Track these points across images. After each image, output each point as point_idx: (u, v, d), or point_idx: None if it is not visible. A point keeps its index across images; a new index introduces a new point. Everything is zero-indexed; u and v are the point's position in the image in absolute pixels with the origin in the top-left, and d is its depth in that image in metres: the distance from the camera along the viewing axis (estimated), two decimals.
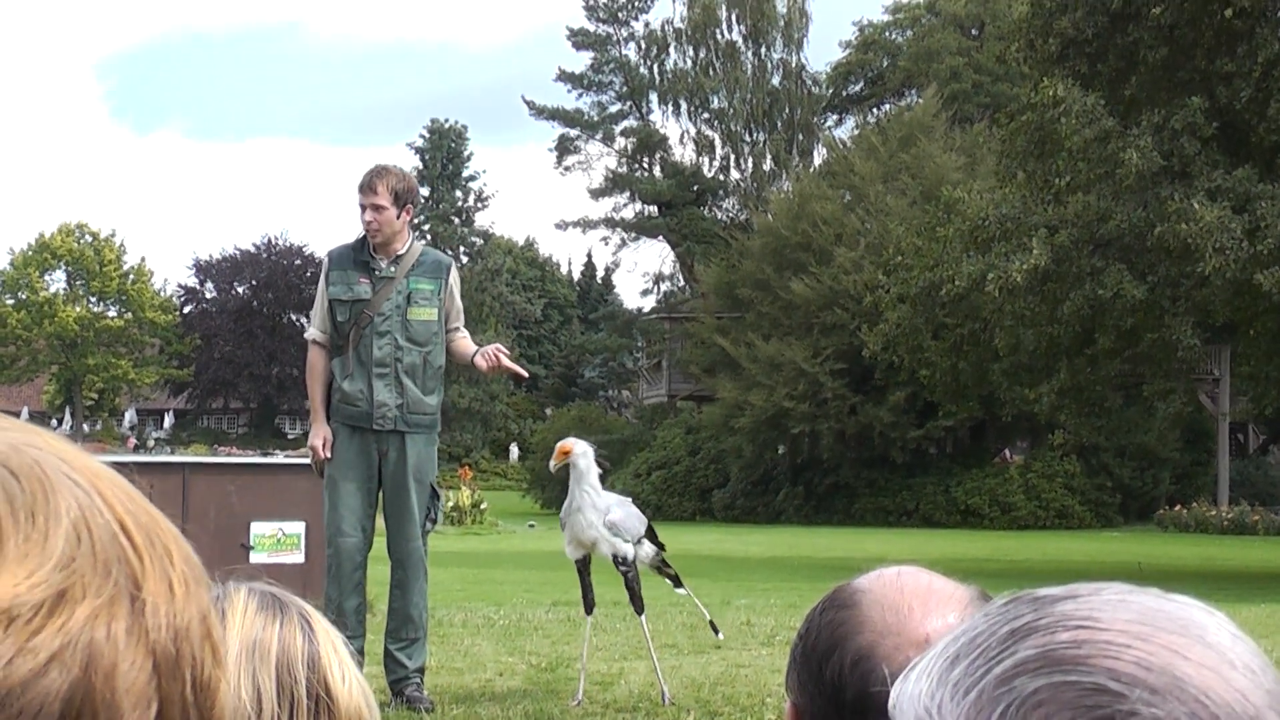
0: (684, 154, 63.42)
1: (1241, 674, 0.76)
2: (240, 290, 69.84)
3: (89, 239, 70.00)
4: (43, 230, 70.62)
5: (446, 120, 75.70)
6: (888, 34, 62.42)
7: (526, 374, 8.58)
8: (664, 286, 66.53)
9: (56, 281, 70.12)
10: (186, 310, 71.17)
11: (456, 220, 73.80)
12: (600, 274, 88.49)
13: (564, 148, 64.47)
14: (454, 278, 8.02)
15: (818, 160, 59.76)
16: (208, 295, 70.97)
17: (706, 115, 62.65)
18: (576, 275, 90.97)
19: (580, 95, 64.34)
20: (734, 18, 61.36)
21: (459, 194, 74.32)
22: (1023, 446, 47.01)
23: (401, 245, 7.86)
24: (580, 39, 63.70)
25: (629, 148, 63.81)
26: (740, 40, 61.65)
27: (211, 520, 10.35)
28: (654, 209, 63.59)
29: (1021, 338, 24.34)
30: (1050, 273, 23.32)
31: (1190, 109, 22.73)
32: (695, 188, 62.41)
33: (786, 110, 61.51)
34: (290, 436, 67.36)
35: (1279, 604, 15.51)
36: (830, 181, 48.77)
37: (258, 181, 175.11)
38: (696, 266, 58.51)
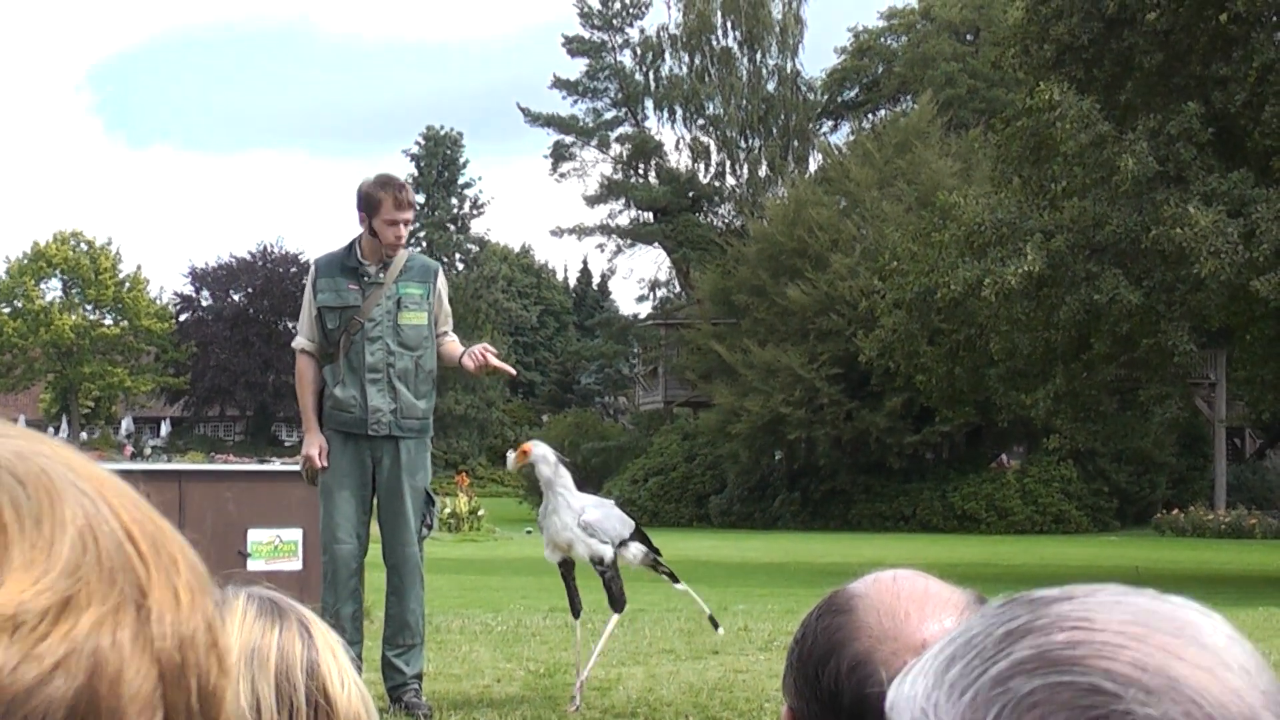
0: (679, 160, 63.46)
1: (1237, 675, 0.76)
2: (236, 298, 69.84)
3: (84, 247, 69.99)
4: (38, 239, 70.61)
5: (442, 127, 75.74)
6: (883, 40, 62.44)
7: (514, 372, 8.56)
8: (660, 293, 66.54)
9: (52, 290, 70.16)
10: (182, 318, 71.17)
11: (452, 227, 73.81)
12: (596, 280, 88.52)
13: (559, 154, 64.47)
14: (442, 281, 8.04)
15: (813, 166, 59.80)
16: (203, 303, 70.98)
17: (702, 121, 62.67)
18: (572, 282, 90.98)
19: (575, 102, 64.39)
20: (729, 24, 61.38)
21: (454, 201, 74.35)
22: (1019, 452, 47.01)
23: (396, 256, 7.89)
24: (575, 46, 63.72)
25: (624, 154, 63.81)
26: (735, 46, 61.66)
27: (208, 527, 10.34)
28: (649, 215, 63.59)
29: (1017, 343, 24.34)
30: (1046, 278, 23.34)
31: (1186, 114, 22.76)
32: (691, 194, 62.40)
33: (782, 116, 61.52)
34: (287, 444, 67.34)
35: (1277, 607, 15.51)
36: (826, 188, 48.79)
37: (253, 189, 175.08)
38: (692, 273, 58.51)
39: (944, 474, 44.96)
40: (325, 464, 7.73)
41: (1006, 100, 38.24)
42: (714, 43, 61.75)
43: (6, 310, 68.71)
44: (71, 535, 0.68)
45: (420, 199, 72.64)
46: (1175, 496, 43.54)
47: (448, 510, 34.02)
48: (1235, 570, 25.70)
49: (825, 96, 63.51)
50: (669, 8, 69.01)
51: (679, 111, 62.92)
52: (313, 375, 7.90)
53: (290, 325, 66.82)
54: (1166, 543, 36.46)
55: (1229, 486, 41.82)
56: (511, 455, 8.28)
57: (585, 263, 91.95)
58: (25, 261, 69.15)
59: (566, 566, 8.16)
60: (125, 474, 0.76)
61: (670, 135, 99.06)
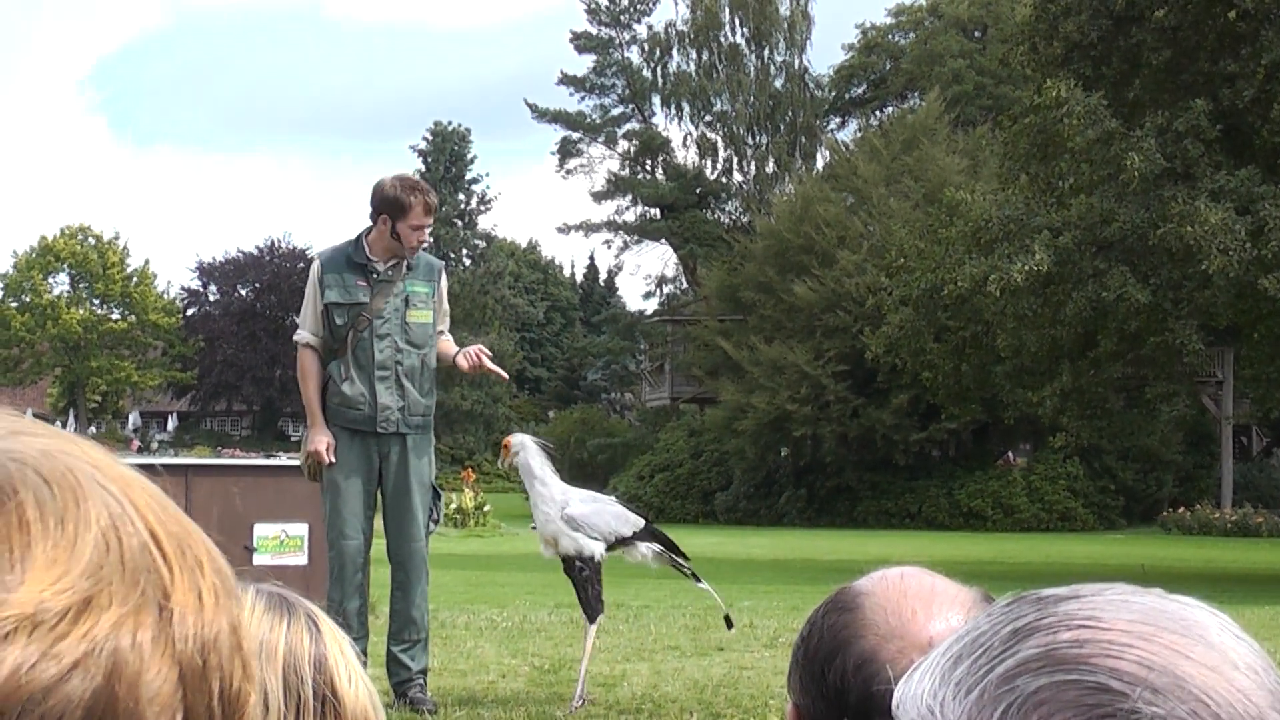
0: (686, 157, 63.45)
1: (1244, 674, 0.76)
2: (243, 293, 69.87)
3: (92, 242, 70.05)
4: (45, 233, 70.71)
5: (450, 123, 75.73)
6: (890, 36, 62.40)
7: (506, 376, 8.52)
8: (666, 289, 66.57)
9: (60, 284, 70.22)
10: (190, 313, 71.20)
11: (459, 223, 73.80)
12: (603, 277, 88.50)
13: (566, 151, 64.47)
14: (444, 281, 8.06)
15: (820, 163, 59.76)
16: (211, 298, 71.00)
17: (709, 118, 62.64)
18: (579, 278, 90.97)
19: (583, 98, 64.39)
20: (737, 20, 61.35)
21: (462, 197, 74.33)
22: (1025, 449, 46.99)
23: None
24: (583, 42, 63.71)
25: (631, 150, 63.81)
26: (743, 43, 61.64)
27: (214, 522, 10.35)
28: (656, 212, 63.57)
29: (1024, 340, 24.33)
30: (1053, 275, 23.32)
31: (1194, 111, 22.73)
32: (698, 190, 62.39)
33: (789, 113, 61.49)
34: (293, 439, 67.31)
35: None
36: (833, 184, 48.76)
37: (260, 184, 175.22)
38: (699, 269, 58.53)
39: (950, 471, 44.95)
40: (333, 459, 7.74)
41: (1014, 97, 38.19)
42: (722, 39, 61.73)
43: (14, 304, 68.78)
44: (95, 535, 0.68)
45: None
46: (1182, 494, 43.51)
47: (453, 506, 34.04)
48: (1241, 569, 25.68)
49: (833, 93, 63.48)
50: (677, 4, 69.18)
51: (686, 108, 62.92)
52: (317, 370, 7.90)
53: (297, 320, 66.85)
54: (1173, 541, 36.43)
55: (1235, 485, 41.77)
56: (501, 460, 8.21)
57: (592, 259, 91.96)
58: (33, 256, 69.22)
59: (567, 563, 8.03)
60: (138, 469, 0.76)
61: (677, 132, 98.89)
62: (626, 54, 63.80)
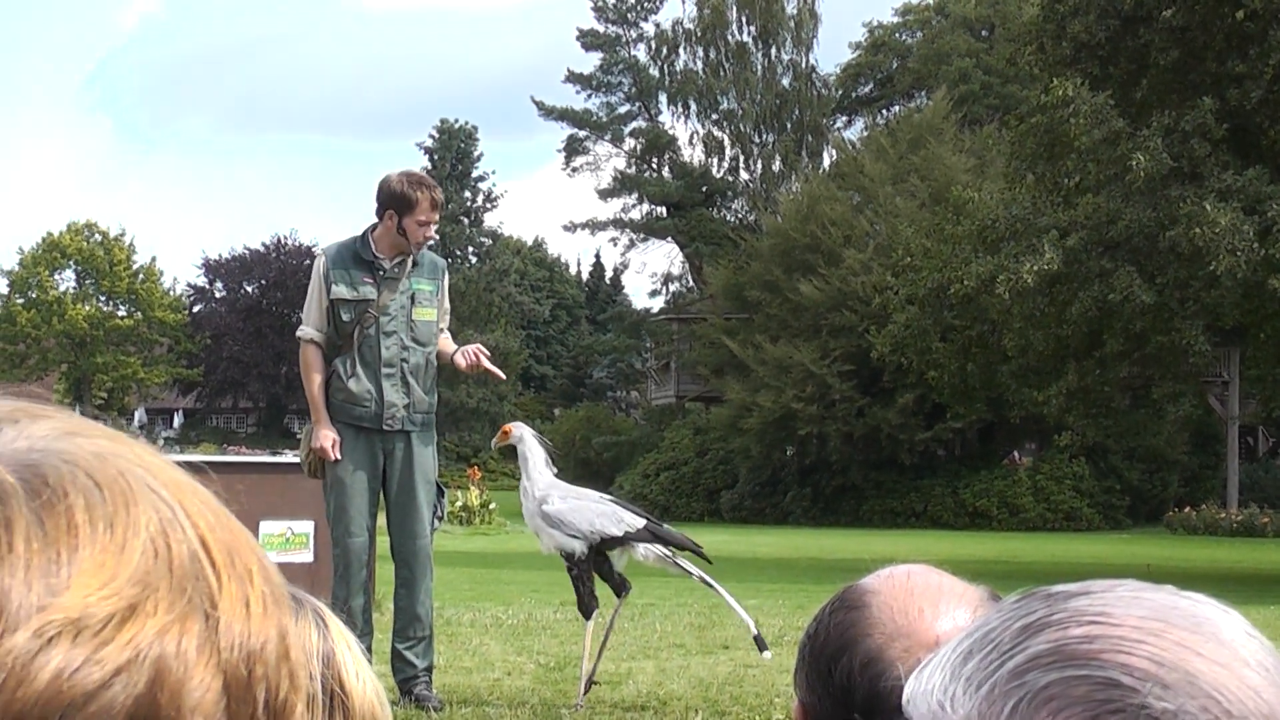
0: (693, 155, 63.48)
1: (1255, 671, 0.76)
2: (249, 290, 69.90)
3: (98, 238, 70.09)
4: (51, 229, 70.71)
5: (456, 120, 75.69)
6: (897, 35, 62.39)
7: (503, 376, 8.50)
8: (672, 287, 66.60)
9: (66, 280, 70.24)
10: (196, 310, 71.23)
11: (465, 220, 73.79)
12: (609, 275, 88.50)
13: (573, 148, 64.51)
14: (447, 279, 8.07)
15: (827, 162, 59.76)
16: (217, 295, 71.03)
17: (715, 116, 62.67)
18: (585, 276, 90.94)
19: (589, 96, 64.44)
20: (744, 19, 61.37)
21: (468, 194, 74.32)
22: (1031, 448, 46.98)
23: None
24: (589, 40, 63.73)
25: (638, 148, 63.84)
26: (750, 41, 61.66)
27: None
28: (663, 210, 63.60)
29: (1030, 339, 24.31)
30: (1060, 275, 23.30)
31: (1201, 110, 22.71)
32: (704, 189, 62.41)
33: (796, 111, 61.50)
34: (299, 436, 67.01)
35: None
36: (839, 183, 48.76)
37: (266, 181, 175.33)
38: (705, 268, 58.51)
39: (956, 470, 44.95)
40: (338, 456, 7.74)
41: (1021, 97, 38.18)
42: (729, 37, 61.76)
43: (20, 300, 68.81)
44: (144, 541, 0.68)
45: None
46: (1187, 494, 43.50)
47: (459, 503, 34.06)
48: (1247, 568, 25.66)
49: (839, 92, 63.48)
50: (684, 2, 69.32)
51: (693, 106, 62.96)
52: (320, 366, 7.90)
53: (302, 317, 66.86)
54: (1178, 541, 36.41)
55: (1241, 485, 41.74)
56: (494, 439, 8.18)
57: (598, 257, 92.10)
58: (39, 252, 69.26)
59: (571, 560, 7.94)
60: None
61: (684, 130, 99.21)
62: (633, 52, 63.87)
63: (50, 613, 0.64)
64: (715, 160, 62.97)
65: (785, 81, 61.60)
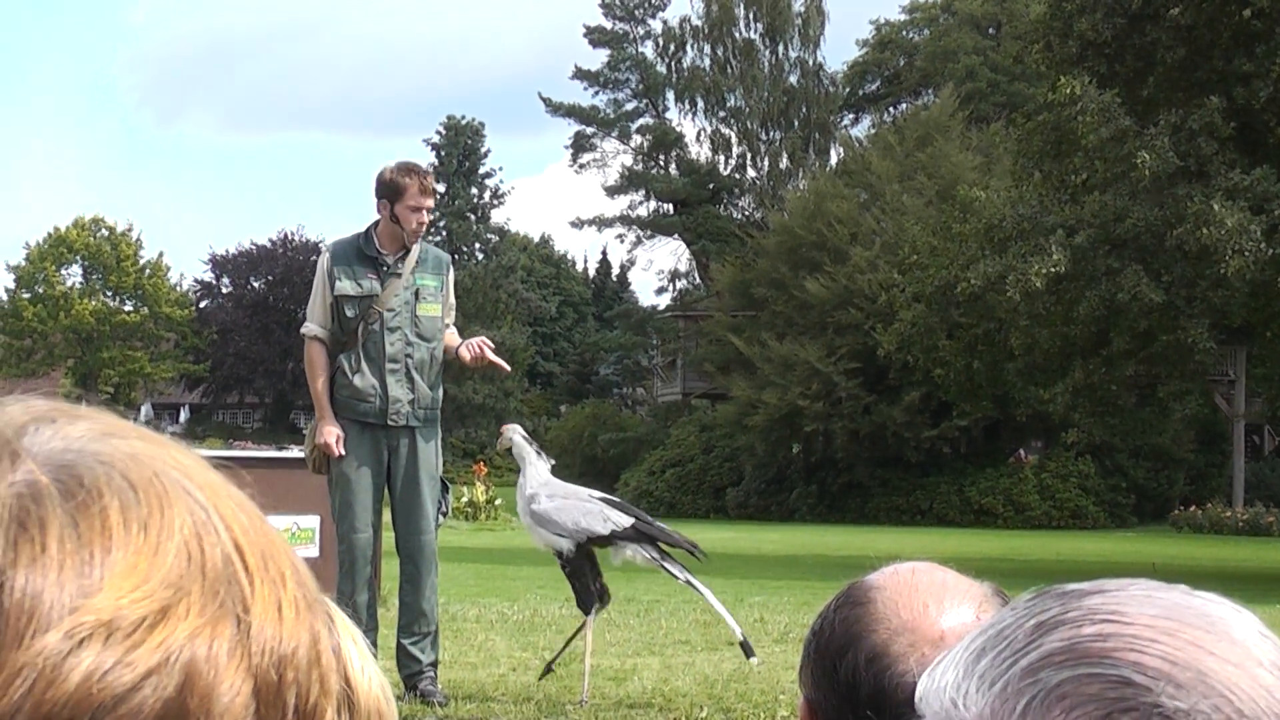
0: (700, 152, 63.45)
1: (1268, 671, 0.76)
2: (256, 285, 69.96)
3: (105, 233, 70.16)
4: (58, 224, 70.77)
5: (463, 117, 75.72)
6: (905, 33, 62.36)
7: (508, 369, 8.54)
8: (679, 284, 66.56)
9: (73, 276, 70.30)
10: (202, 305, 71.30)
11: (472, 217, 73.83)
12: (615, 271, 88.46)
13: (580, 145, 64.51)
14: (452, 274, 8.08)
15: (834, 159, 59.74)
16: (224, 290, 71.10)
17: (723, 113, 62.63)
18: (591, 273, 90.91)
19: (596, 93, 64.42)
20: (751, 16, 61.33)
21: (475, 190, 74.35)
22: (1037, 446, 46.96)
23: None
24: (597, 36, 63.72)
25: (645, 145, 63.83)
26: (757, 39, 61.62)
27: None
28: (669, 207, 63.60)
29: (1037, 338, 24.30)
30: (1067, 274, 23.29)
31: (1208, 109, 22.69)
32: (711, 186, 62.39)
33: (803, 109, 61.47)
34: (305, 432, 67.38)
35: None
36: (846, 180, 48.75)
37: (274, 177, 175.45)
38: (711, 265, 58.50)
39: (961, 468, 44.94)
40: (343, 452, 7.75)
41: (1028, 94, 38.18)
42: (736, 34, 61.72)
43: (27, 295, 68.89)
44: (177, 544, 0.68)
45: (440, 188, 72.69)
46: (1193, 493, 43.47)
47: (465, 499, 34.10)
48: (1253, 567, 25.64)
49: (846, 89, 63.44)
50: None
51: (700, 103, 62.93)
52: (325, 362, 7.92)
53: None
54: (1184, 539, 36.40)
55: (1247, 484, 41.72)
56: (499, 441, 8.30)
57: (605, 254, 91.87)
58: (46, 247, 69.33)
59: (561, 558, 8.01)
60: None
61: (691, 127, 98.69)
62: (641, 49, 63.85)
63: (82, 614, 0.64)
64: (722, 157, 62.98)
65: (792, 79, 61.57)
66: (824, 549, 28.37)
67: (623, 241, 66.85)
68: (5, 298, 69.62)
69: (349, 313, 7.81)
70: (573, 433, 53.89)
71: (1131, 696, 0.73)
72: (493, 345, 7.98)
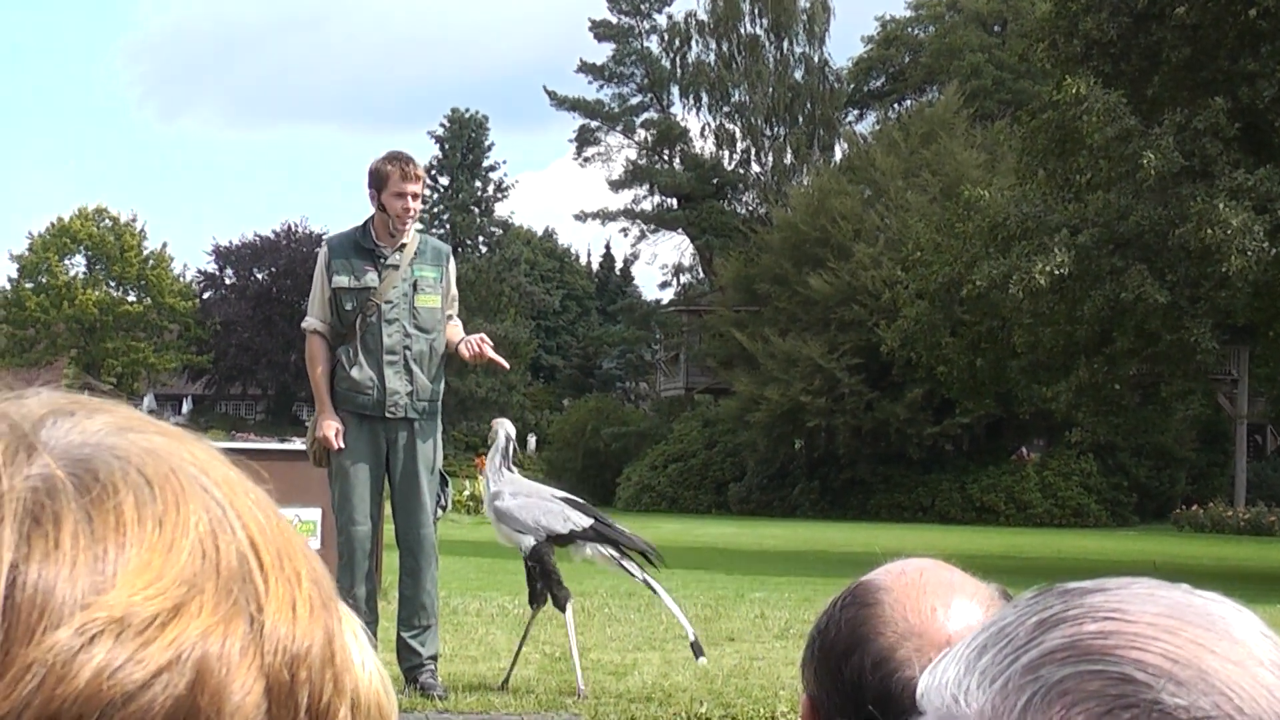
0: (704, 147, 63.41)
1: (1269, 670, 0.76)
2: (260, 277, 69.97)
3: (109, 224, 70.16)
4: (61, 214, 70.81)
5: (467, 110, 75.66)
6: (910, 30, 62.32)
7: (507, 365, 8.56)
8: (683, 279, 66.57)
9: (76, 266, 70.32)
10: (206, 296, 71.32)
11: (476, 210, 73.79)
12: (619, 266, 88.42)
13: (584, 139, 64.48)
14: (452, 265, 8.08)
15: (838, 155, 59.71)
16: (227, 282, 71.12)
17: (727, 109, 62.60)
18: (595, 267, 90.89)
19: (601, 87, 64.37)
20: (756, 11, 61.30)
21: (478, 184, 74.32)
22: (1039, 444, 46.97)
23: (406, 233, 7.90)
24: (602, 30, 63.69)
25: (649, 140, 63.79)
26: (762, 34, 61.60)
27: None
28: (673, 201, 63.56)
29: (1040, 336, 24.29)
30: (1071, 273, 23.27)
31: (1213, 109, 22.67)
32: (715, 181, 62.35)
33: (808, 105, 61.45)
34: (308, 424, 67.23)
35: None
36: (850, 177, 48.74)
37: (277, 169, 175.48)
38: (715, 260, 58.49)
39: (963, 465, 44.95)
40: (342, 445, 7.75)
41: (1033, 92, 38.16)
42: (741, 30, 61.70)
43: (30, 285, 68.90)
44: (192, 541, 0.67)
45: (444, 181, 72.72)
46: (1195, 492, 43.48)
47: (466, 493, 34.11)
48: (1255, 567, 25.63)
49: (851, 85, 63.42)
50: None
51: (705, 98, 62.90)
52: (325, 356, 7.92)
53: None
54: (1185, 538, 36.38)
55: (1249, 483, 41.74)
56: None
57: (608, 248, 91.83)
58: (49, 237, 69.33)
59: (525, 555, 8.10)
60: None
61: (696, 122, 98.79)
62: (646, 43, 63.79)
63: (94, 610, 0.64)
64: (726, 153, 62.95)
65: (797, 75, 61.55)
66: (826, 545, 28.37)
67: (626, 235, 67.00)
68: (9, 287, 69.65)
69: (347, 306, 7.82)
70: (575, 427, 53.85)
71: (1132, 693, 0.73)
72: (492, 343, 7.98)
